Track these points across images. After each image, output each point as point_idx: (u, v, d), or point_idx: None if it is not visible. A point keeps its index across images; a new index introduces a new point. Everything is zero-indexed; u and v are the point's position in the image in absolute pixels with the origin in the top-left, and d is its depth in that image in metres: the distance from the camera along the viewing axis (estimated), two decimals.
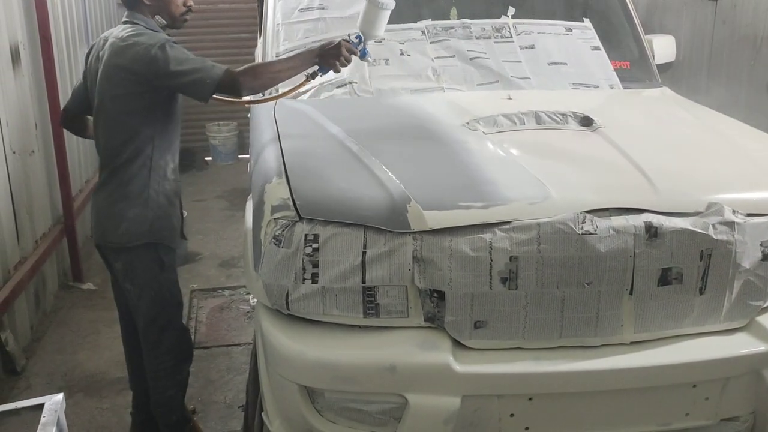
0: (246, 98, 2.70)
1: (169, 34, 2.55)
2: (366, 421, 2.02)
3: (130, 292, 2.60)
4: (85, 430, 3.05)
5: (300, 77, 2.61)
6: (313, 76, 2.61)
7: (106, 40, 2.53)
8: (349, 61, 2.52)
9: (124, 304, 2.75)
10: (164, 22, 2.60)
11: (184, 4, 2.61)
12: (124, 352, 2.90)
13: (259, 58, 3.72)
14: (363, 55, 2.64)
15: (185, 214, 2.87)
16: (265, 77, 2.48)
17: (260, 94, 2.80)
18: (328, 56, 2.49)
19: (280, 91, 2.76)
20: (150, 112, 2.48)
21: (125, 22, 2.54)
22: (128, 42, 2.41)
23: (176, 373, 2.70)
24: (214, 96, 2.46)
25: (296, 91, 2.71)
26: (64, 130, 3.40)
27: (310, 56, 2.53)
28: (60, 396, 1.79)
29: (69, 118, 2.83)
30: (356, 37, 2.58)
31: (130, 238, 2.51)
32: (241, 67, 2.42)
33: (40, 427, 1.67)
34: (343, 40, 2.52)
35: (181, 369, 2.74)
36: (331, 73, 3.10)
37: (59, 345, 3.77)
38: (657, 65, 3.51)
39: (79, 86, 2.75)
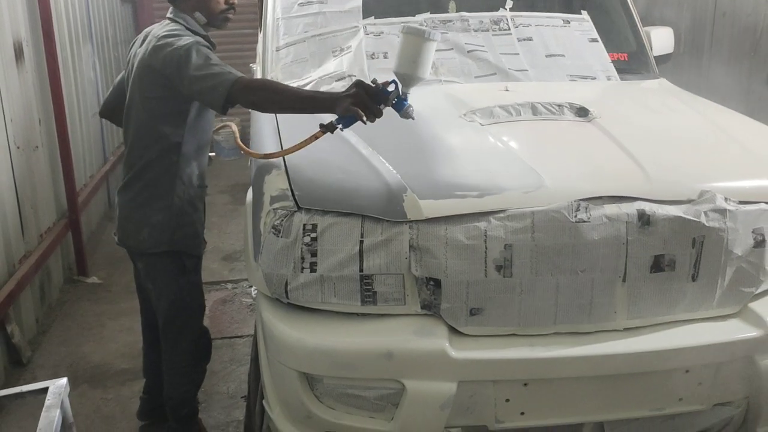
0: (262, 152, 2.34)
1: (205, 34, 2.45)
2: (364, 407, 2.05)
3: (151, 291, 2.60)
4: (90, 420, 3.09)
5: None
6: (330, 128, 2.06)
7: (146, 36, 2.45)
8: (370, 109, 2.00)
9: (146, 297, 2.75)
10: (204, 19, 2.49)
11: (226, 2, 2.47)
12: (143, 340, 2.90)
13: (260, 54, 3.74)
14: (400, 108, 2.04)
15: None
16: (272, 92, 2.19)
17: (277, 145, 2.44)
18: (342, 101, 2.02)
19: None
20: (179, 120, 2.41)
21: (168, 18, 2.48)
22: (162, 42, 2.31)
23: (192, 372, 2.71)
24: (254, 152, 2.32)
25: (308, 144, 2.11)
26: (102, 120, 3.31)
27: (325, 98, 2.12)
28: (64, 380, 1.82)
29: (109, 108, 2.76)
30: (391, 83, 2.05)
31: (150, 245, 2.48)
32: (255, 78, 2.27)
33: (44, 409, 1.70)
34: (364, 82, 2.04)
35: (197, 368, 2.74)
36: (331, 66, 3.15)
37: (64, 337, 3.82)
38: (655, 57, 3.52)
39: (121, 78, 2.68)
